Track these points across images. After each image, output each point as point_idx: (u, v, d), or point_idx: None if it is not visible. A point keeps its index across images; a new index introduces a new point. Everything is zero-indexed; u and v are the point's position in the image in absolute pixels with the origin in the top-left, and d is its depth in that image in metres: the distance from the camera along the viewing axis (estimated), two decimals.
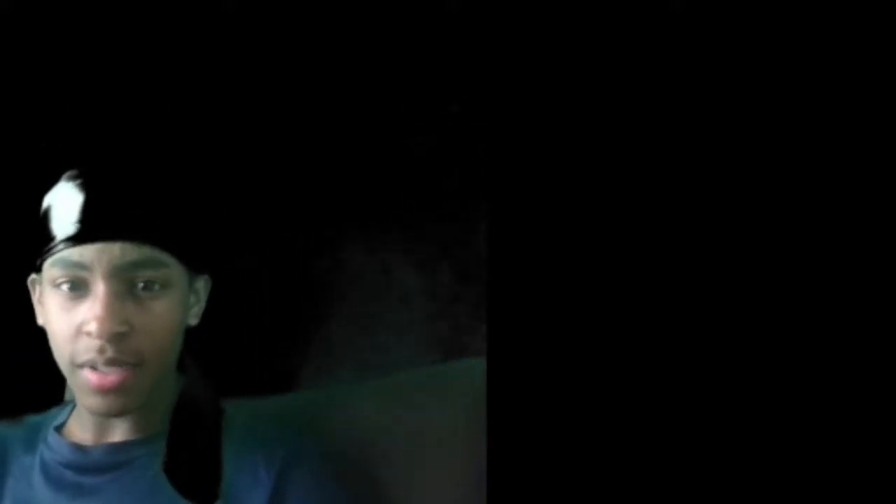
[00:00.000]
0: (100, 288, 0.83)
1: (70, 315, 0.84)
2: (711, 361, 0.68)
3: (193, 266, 0.89)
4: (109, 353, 0.82)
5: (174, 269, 0.86)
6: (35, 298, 0.90)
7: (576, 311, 0.70)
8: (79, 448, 0.89)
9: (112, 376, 0.83)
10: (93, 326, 0.82)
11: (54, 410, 0.95)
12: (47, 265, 0.85)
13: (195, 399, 0.91)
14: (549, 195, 0.71)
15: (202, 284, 0.92)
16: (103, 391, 0.83)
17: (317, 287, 1.49)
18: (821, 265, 0.67)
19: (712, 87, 0.69)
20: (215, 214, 0.95)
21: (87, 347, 0.83)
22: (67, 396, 0.99)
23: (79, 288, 0.84)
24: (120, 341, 0.83)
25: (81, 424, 0.90)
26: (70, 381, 0.86)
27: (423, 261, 1.46)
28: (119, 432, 0.89)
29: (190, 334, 0.92)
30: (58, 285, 0.84)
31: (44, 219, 0.86)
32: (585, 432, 0.69)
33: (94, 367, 0.83)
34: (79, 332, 0.83)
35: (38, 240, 0.87)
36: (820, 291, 0.67)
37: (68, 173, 0.87)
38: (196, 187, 0.90)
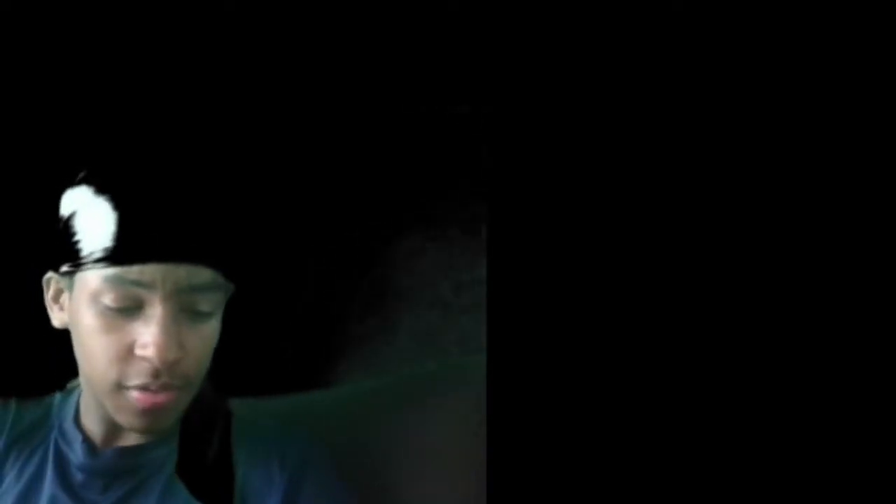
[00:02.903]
0: (157, 310, 0.79)
1: (119, 335, 0.80)
2: (711, 361, 0.68)
3: (235, 286, 0.85)
4: (165, 378, 0.80)
5: (224, 293, 0.83)
6: (49, 297, 0.86)
7: (576, 311, 0.70)
8: (92, 450, 0.87)
9: (161, 397, 0.80)
10: (151, 351, 0.79)
11: (59, 396, 0.92)
12: (88, 275, 0.80)
13: (205, 401, 0.89)
14: (550, 195, 0.71)
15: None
16: (149, 412, 0.81)
17: (335, 289, 1.49)
18: (821, 265, 0.67)
19: (712, 87, 0.69)
20: (253, 232, 0.93)
21: (140, 371, 0.80)
22: (69, 385, 0.98)
23: (130, 307, 0.79)
24: (174, 366, 0.80)
25: (94, 421, 0.88)
26: (108, 400, 0.83)
27: (425, 260, 1.46)
28: (132, 436, 0.88)
29: None
30: (102, 301, 0.80)
31: (79, 225, 0.81)
32: (585, 432, 0.69)
33: (144, 389, 0.80)
34: (129, 352, 0.80)
35: (65, 244, 0.82)
36: (820, 291, 0.67)
37: (102, 181, 0.81)
38: (242, 209, 0.87)
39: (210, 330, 0.83)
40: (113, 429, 0.88)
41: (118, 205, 0.80)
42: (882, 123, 0.66)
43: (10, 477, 0.88)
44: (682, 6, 0.69)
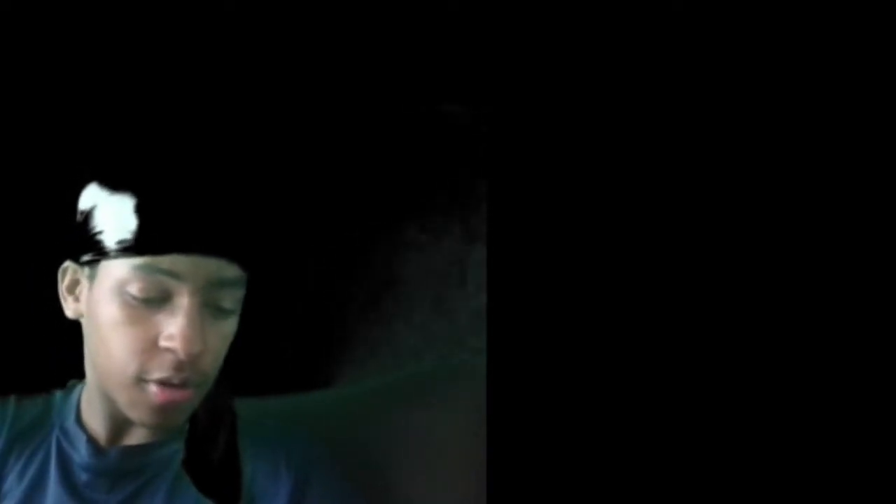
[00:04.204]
0: (184, 302, 0.78)
1: (143, 327, 0.79)
2: (711, 361, 0.68)
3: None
4: (186, 371, 0.79)
5: (244, 289, 0.83)
6: (63, 287, 0.84)
7: (576, 311, 0.70)
8: (97, 449, 0.86)
9: (180, 393, 0.79)
10: (177, 343, 0.78)
11: (59, 394, 0.91)
12: (114, 265, 0.79)
13: (212, 400, 0.88)
14: (550, 195, 0.71)
15: None
16: (166, 408, 0.80)
17: (335, 288, 1.49)
18: (821, 265, 0.67)
19: (712, 87, 0.69)
20: (265, 233, 0.93)
21: (164, 363, 0.79)
22: (69, 384, 0.98)
23: (156, 299, 0.79)
24: (196, 360, 0.79)
25: (98, 421, 0.87)
26: (123, 394, 0.81)
27: (425, 260, 1.46)
28: (137, 434, 0.87)
29: None
30: (128, 291, 0.79)
31: (105, 214, 0.80)
32: (585, 432, 0.69)
33: (165, 384, 0.79)
34: (153, 345, 0.79)
35: (87, 234, 0.81)
36: (820, 291, 0.67)
37: (129, 172, 0.81)
38: (260, 207, 0.86)
39: (230, 328, 0.82)
40: (118, 427, 0.87)
41: (149, 195, 0.79)
42: (882, 123, 0.66)
43: (11, 477, 0.87)
44: (682, 6, 0.69)
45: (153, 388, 0.79)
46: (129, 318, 0.79)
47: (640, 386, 0.68)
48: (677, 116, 0.69)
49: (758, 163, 0.68)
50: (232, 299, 0.81)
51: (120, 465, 0.86)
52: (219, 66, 1.30)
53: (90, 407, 0.88)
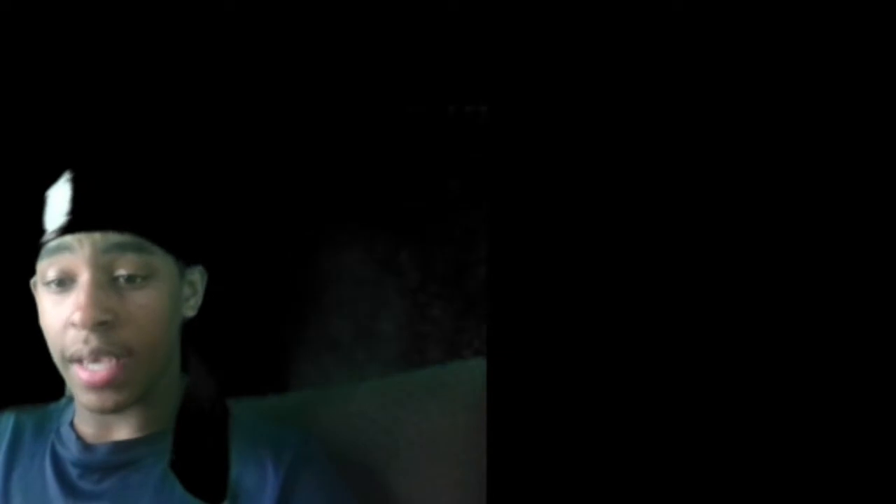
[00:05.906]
0: (83, 278, 0.83)
1: (59, 309, 0.84)
2: (711, 361, 0.68)
3: (184, 257, 0.89)
4: (94, 342, 0.82)
5: (159, 258, 0.86)
6: (37, 300, 0.90)
7: (576, 312, 0.70)
8: (86, 446, 0.89)
9: (101, 372, 0.83)
10: (77, 316, 0.82)
11: (63, 402, 0.95)
12: (39, 262, 0.86)
13: (200, 397, 0.90)
14: (551, 195, 0.71)
15: (197, 276, 0.91)
16: (95, 387, 0.83)
17: (311, 285, 1.49)
18: (821, 265, 0.67)
19: (712, 87, 0.69)
20: (205, 205, 0.95)
21: (74, 339, 0.83)
22: (67, 393, 0.99)
23: (66, 283, 0.84)
24: (104, 331, 0.82)
25: (84, 420, 0.91)
26: (65, 378, 0.86)
27: (421, 260, 1.46)
28: (123, 430, 0.90)
29: (192, 333, 0.92)
30: (48, 282, 0.85)
31: (40, 219, 0.87)
32: (585, 432, 0.69)
33: (81, 363, 0.83)
34: (66, 324, 0.83)
35: (37, 241, 0.87)
36: (820, 291, 0.67)
37: (66, 173, 0.87)
38: (184, 179, 0.91)
39: (148, 298, 0.85)
40: (103, 425, 0.90)
41: (67, 190, 0.86)
42: (882, 123, 0.66)
43: (15, 483, 0.90)
44: (682, 6, 0.69)
45: (76, 369, 0.84)
46: (52, 303, 0.85)
47: (640, 386, 0.68)
48: (678, 117, 0.69)
49: (761, 163, 0.68)
50: (133, 265, 0.84)
51: (107, 459, 0.88)
52: (216, 64, 1.30)
53: (79, 409, 0.91)
